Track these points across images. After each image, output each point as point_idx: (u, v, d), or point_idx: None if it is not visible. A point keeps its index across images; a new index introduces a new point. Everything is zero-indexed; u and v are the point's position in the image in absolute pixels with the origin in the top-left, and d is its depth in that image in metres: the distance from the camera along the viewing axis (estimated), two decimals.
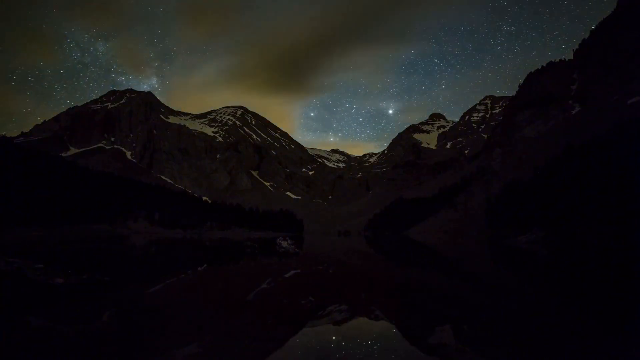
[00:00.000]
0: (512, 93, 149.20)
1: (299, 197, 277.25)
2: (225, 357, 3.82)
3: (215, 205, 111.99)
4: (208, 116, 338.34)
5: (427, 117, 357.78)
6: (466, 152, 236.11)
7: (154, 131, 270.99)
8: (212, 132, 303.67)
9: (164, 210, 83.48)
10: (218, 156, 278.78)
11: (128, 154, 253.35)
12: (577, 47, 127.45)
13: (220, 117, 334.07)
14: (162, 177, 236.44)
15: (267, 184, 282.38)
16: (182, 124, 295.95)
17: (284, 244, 22.80)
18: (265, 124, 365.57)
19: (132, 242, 31.01)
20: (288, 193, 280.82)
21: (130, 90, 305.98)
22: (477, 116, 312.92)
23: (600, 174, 37.08)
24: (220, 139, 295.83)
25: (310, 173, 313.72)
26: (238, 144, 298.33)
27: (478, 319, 5.46)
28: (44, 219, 49.36)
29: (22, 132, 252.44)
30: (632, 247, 21.10)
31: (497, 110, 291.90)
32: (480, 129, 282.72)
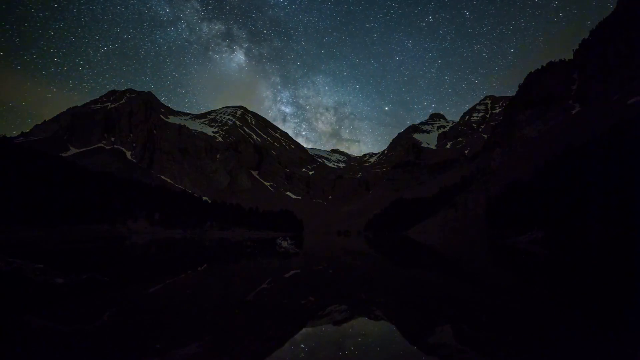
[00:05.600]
0: (512, 93, 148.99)
1: (299, 197, 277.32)
2: (225, 357, 3.82)
3: (215, 205, 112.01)
4: (208, 116, 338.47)
5: (427, 117, 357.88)
6: (466, 152, 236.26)
7: (154, 131, 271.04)
8: (212, 132, 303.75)
9: (164, 210, 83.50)
10: (218, 156, 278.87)
11: (128, 154, 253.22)
12: (577, 47, 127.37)
13: (220, 117, 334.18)
14: (162, 177, 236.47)
15: (267, 184, 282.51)
16: (182, 124, 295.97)
17: (284, 244, 22.80)
18: (265, 124, 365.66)
19: (132, 242, 31.01)
20: (288, 193, 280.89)
21: (130, 90, 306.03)
22: (477, 116, 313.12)
23: (600, 174, 37.07)
24: (220, 139, 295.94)
25: (310, 173, 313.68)
26: (238, 144, 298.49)
27: (478, 319, 5.46)
28: (44, 219, 49.35)
29: (22, 132, 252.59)
30: (632, 247, 21.10)
31: (497, 110, 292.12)
32: (480, 129, 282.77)
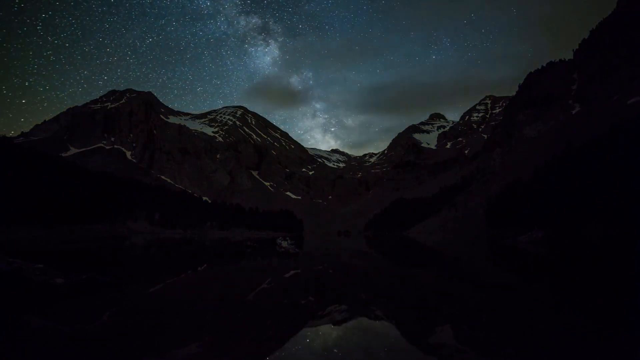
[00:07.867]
0: (512, 93, 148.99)
1: (299, 197, 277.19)
2: (225, 357, 3.82)
3: (215, 205, 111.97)
4: (208, 116, 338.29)
5: (427, 117, 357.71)
6: (466, 152, 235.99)
7: (154, 131, 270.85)
8: (212, 132, 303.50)
9: (164, 210, 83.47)
10: (218, 156, 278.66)
11: (128, 154, 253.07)
12: (577, 47, 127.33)
13: (220, 117, 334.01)
14: (162, 177, 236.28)
15: (267, 184, 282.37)
16: (182, 124, 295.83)
17: (284, 244, 22.81)
18: (265, 124, 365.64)
19: (132, 242, 31.02)
20: (288, 193, 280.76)
21: (130, 90, 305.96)
22: (477, 116, 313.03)
23: (600, 174, 37.06)
24: (220, 139, 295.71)
25: (310, 173, 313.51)
26: (238, 144, 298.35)
27: (478, 319, 5.46)
28: (44, 219, 49.33)
29: (22, 132, 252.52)
30: (632, 247, 21.10)
31: (497, 110, 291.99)
32: (480, 129, 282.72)
